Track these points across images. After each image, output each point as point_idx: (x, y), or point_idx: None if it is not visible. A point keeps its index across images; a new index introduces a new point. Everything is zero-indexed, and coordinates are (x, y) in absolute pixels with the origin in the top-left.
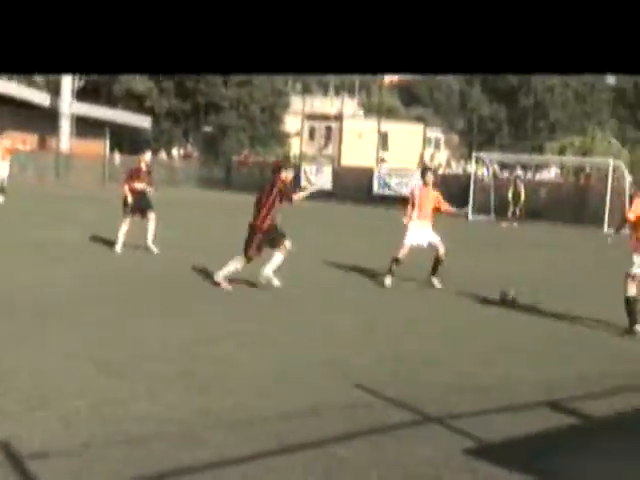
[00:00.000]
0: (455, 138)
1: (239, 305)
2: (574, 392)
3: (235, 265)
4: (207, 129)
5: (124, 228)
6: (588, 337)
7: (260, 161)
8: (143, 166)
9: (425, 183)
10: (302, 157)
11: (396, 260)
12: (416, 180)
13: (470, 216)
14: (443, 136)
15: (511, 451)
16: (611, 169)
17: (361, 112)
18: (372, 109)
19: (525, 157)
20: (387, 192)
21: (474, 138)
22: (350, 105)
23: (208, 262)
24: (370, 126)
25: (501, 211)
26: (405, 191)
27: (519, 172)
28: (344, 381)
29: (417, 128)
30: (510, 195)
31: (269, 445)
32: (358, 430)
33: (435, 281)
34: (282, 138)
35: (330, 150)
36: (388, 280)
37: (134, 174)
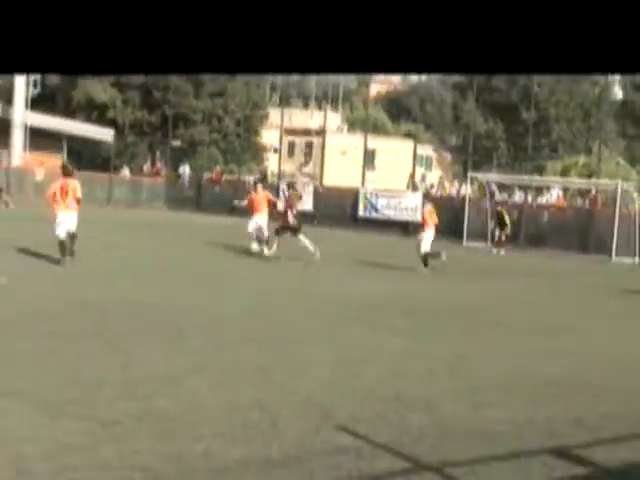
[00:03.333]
0: (448, 156)
1: (198, 338)
2: (576, 437)
3: None
4: (176, 143)
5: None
6: (579, 376)
7: (234, 179)
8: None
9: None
10: (280, 175)
11: None
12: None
13: (465, 242)
14: (435, 154)
15: None
16: (619, 192)
17: (345, 127)
18: (357, 124)
19: (525, 178)
20: (374, 215)
21: (469, 156)
22: (333, 119)
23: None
24: (355, 142)
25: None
26: (393, 214)
27: (516, 195)
28: (323, 423)
29: (407, 145)
30: (493, 222)
31: None
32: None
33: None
34: (259, 154)
35: (311, 168)
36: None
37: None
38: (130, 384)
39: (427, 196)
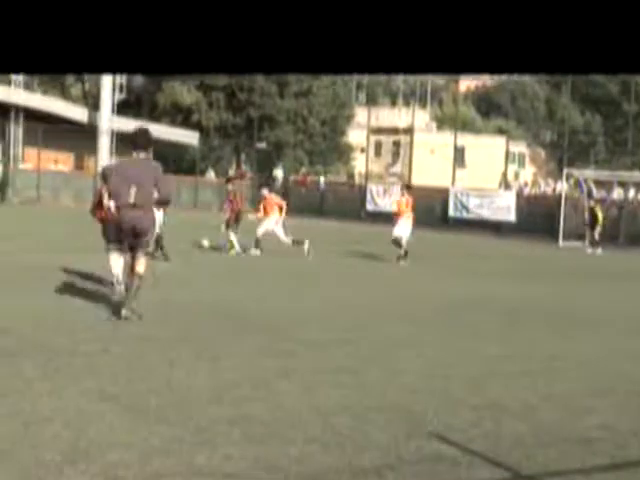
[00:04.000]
0: (541, 153)
1: (285, 340)
2: None
3: None
4: (261, 145)
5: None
6: None
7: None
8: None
9: None
10: (368, 176)
11: None
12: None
13: (561, 242)
14: (528, 150)
15: None
16: None
17: (434, 125)
18: (446, 121)
19: (624, 174)
20: (465, 215)
21: (564, 153)
22: (421, 117)
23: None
24: (444, 140)
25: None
26: (485, 214)
27: (615, 192)
28: (415, 429)
29: (498, 142)
30: (587, 219)
31: None
32: None
33: None
34: (345, 154)
35: (399, 168)
36: None
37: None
38: (219, 389)
39: (409, 187)
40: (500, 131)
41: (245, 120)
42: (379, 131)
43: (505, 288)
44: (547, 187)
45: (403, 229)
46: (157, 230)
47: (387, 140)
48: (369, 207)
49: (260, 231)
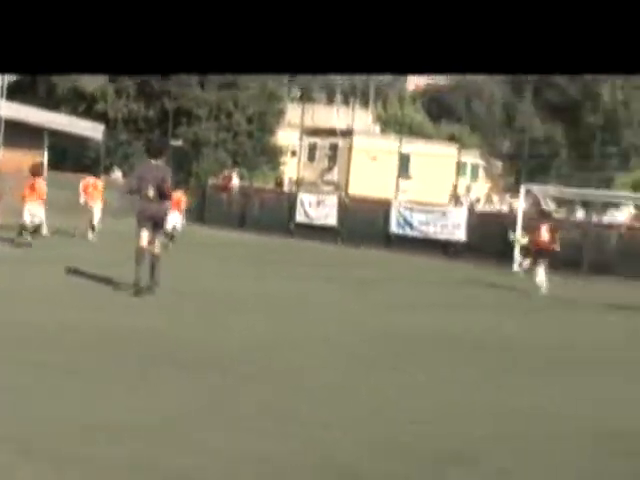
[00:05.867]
0: (498, 165)
1: (213, 374)
2: None
3: None
4: (177, 143)
5: None
6: None
7: (245, 186)
8: None
9: None
10: (299, 183)
11: None
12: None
13: (515, 266)
14: (482, 161)
15: None
16: None
17: (377, 127)
18: (391, 124)
19: (589, 192)
20: (408, 232)
21: (523, 165)
22: (363, 118)
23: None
24: (388, 146)
25: (555, 262)
26: (432, 232)
27: (578, 212)
28: None
29: (449, 150)
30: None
31: None
32: None
33: None
34: (274, 157)
35: (335, 175)
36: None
37: None
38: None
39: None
40: (452, 138)
41: (159, 112)
42: (314, 132)
43: (454, 319)
44: (503, 204)
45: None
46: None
47: (323, 143)
48: (299, 218)
49: None
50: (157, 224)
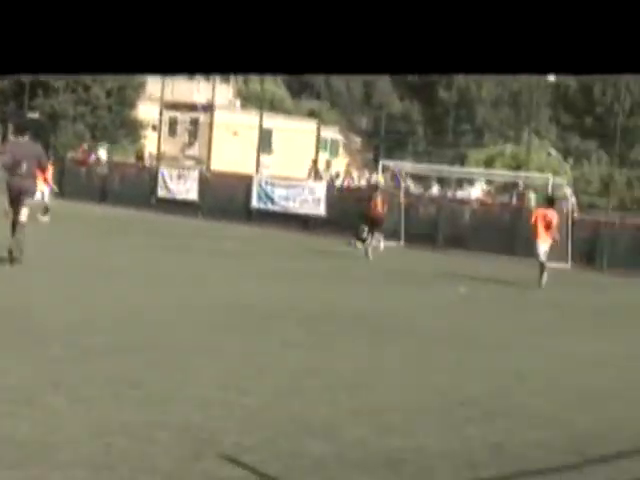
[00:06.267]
0: (357, 141)
1: (58, 347)
2: (496, 467)
3: None
4: (33, 116)
5: None
6: (501, 397)
7: (103, 161)
8: None
9: None
10: (160, 157)
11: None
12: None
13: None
14: (342, 137)
15: None
16: (550, 187)
17: (237, 103)
18: (252, 100)
19: (444, 168)
20: (269, 207)
21: (381, 141)
22: (224, 93)
23: None
24: (249, 121)
25: (413, 236)
26: (292, 206)
27: (434, 188)
28: (203, 450)
29: (309, 126)
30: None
31: None
32: None
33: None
34: (134, 130)
35: (196, 150)
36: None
37: None
38: None
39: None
40: (312, 114)
41: (14, 84)
42: (174, 106)
43: (309, 291)
44: (361, 179)
45: None
46: None
47: (184, 117)
48: (160, 193)
49: None
50: (25, 197)
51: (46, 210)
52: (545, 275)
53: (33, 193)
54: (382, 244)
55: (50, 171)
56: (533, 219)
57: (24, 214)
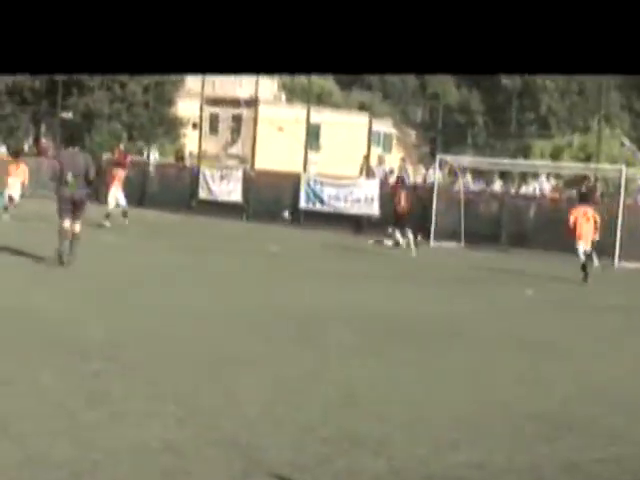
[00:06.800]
0: (411, 134)
1: (99, 360)
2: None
3: None
4: (67, 115)
5: None
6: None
7: (142, 162)
8: None
9: None
10: (201, 157)
11: None
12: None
13: (432, 242)
14: (395, 131)
15: None
16: (624, 180)
17: (283, 96)
18: (297, 93)
19: (506, 162)
20: (319, 207)
21: (438, 134)
22: (268, 86)
23: None
24: (295, 115)
25: (473, 236)
26: (343, 207)
27: (496, 184)
28: (254, 468)
29: (360, 120)
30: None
31: None
32: None
33: None
34: (173, 129)
35: (239, 148)
36: None
37: None
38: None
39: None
40: (363, 107)
41: (47, 82)
42: (216, 102)
43: (365, 295)
44: (417, 175)
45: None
46: None
47: (226, 114)
48: (202, 195)
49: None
50: (78, 209)
51: (125, 214)
52: (588, 274)
53: (84, 204)
54: (412, 240)
55: (121, 175)
56: (572, 219)
57: (78, 226)
